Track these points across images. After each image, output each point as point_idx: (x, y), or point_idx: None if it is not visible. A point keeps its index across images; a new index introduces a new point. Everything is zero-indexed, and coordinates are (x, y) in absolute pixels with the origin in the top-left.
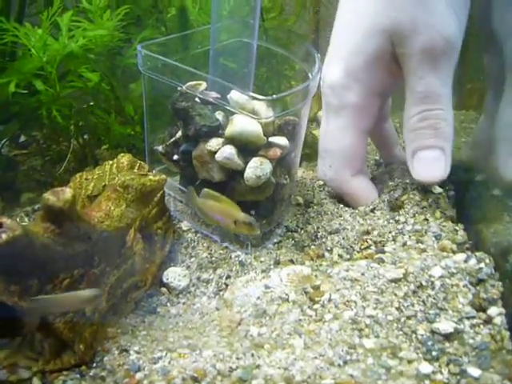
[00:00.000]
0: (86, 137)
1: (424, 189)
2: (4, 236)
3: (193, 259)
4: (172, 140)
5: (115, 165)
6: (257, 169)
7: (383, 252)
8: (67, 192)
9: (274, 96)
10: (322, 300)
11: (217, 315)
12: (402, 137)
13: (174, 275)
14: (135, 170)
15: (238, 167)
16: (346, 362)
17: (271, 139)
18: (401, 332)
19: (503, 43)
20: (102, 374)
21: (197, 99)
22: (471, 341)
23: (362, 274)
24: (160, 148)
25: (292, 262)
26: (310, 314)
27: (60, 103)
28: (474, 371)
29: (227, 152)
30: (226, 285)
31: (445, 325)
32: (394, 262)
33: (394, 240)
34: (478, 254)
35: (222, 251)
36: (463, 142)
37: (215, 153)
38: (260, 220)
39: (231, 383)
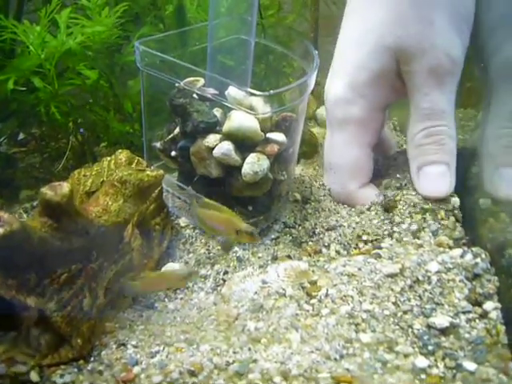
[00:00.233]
0: (81, 130)
1: None
2: (1, 230)
3: (191, 255)
4: (170, 136)
5: (113, 161)
6: (254, 165)
7: (380, 248)
8: (64, 186)
9: (271, 91)
10: (318, 295)
11: (214, 310)
12: (398, 134)
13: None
14: (133, 166)
15: (235, 163)
16: (342, 356)
17: (269, 135)
18: (397, 326)
19: (488, 61)
20: (100, 368)
21: (195, 95)
22: (467, 335)
23: (359, 269)
24: (158, 144)
25: (289, 257)
26: (307, 309)
27: (58, 100)
28: (470, 365)
29: (225, 148)
30: (224, 280)
31: (441, 319)
32: (390, 257)
33: (390, 236)
34: (474, 249)
35: (219, 247)
36: (461, 139)
37: (213, 149)
38: (257, 216)
39: (228, 377)
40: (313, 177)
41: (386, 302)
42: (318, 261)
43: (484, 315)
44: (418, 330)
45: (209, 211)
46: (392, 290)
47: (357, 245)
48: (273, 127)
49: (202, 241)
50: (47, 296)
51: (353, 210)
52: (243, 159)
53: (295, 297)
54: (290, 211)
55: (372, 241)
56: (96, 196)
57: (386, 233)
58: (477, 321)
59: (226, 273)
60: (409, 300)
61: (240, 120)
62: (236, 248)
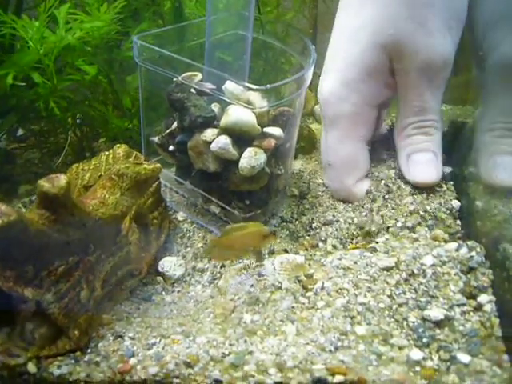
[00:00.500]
0: (78, 121)
1: None
2: None
3: (188, 249)
4: (168, 131)
5: (111, 155)
6: (251, 159)
7: (376, 242)
8: (62, 179)
9: (268, 86)
10: (314, 288)
11: (211, 303)
12: None
13: (170, 264)
14: (130, 160)
15: (232, 157)
16: (337, 348)
17: (266, 129)
18: (392, 319)
19: (485, 57)
20: (97, 360)
21: (192, 90)
22: (461, 328)
23: (355, 263)
24: (156, 139)
25: (286, 251)
26: (303, 302)
27: (57, 96)
28: (464, 357)
29: (222, 142)
30: (221, 274)
31: (436, 312)
32: (386, 251)
33: (387, 230)
34: (469, 242)
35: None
36: (459, 134)
37: (210, 143)
38: (255, 210)
39: (223, 368)
40: (311, 172)
41: (382, 295)
42: (315, 255)
43: (478, 308)
44: (413, 322)
45: (232, 236)
46: (387, 283)
47: (352, 239)
48: (270, 122)
49: (200, 235)
50: (44, 288)
51: (349, 205)
52: (240, 153)
53: (291, 290)
54: (288, 206)
55: (369, 233)
56: (93, 189)
57: (383, 227)
58: (471, 313)
59: (222, 266)
60: (404, 293)
61: (237, 114)
62: None
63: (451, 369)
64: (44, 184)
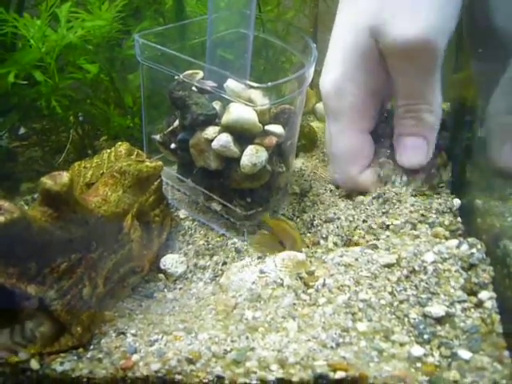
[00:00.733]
0: (80, 118)
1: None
2: (2, 218)
3: (190, 246)
4: (169, 129)
5: (113, 153)
6: (252, 156)
7: (377, 239)
8: (64, 176)
9: (269, 83)
10: (316, 285)
11: (213, 300)
12: None
13: (172, 262)
14: (132, 157)
15: (234, 155)
16: (338, 345)
17: (267, 127)
18: (393, 316)
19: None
20: (99, 356)
21: (194, 88)
22: (462, 324)
23: (356, 260)
24: (158, 137)
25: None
26: (304, 299)
27: (59, 94)
28: (465, 354)
29: (223, 140)
30: (223, 271)
31: (437, 308)
32: (387, 247)
33: (387, 227)
34: (470, 239)
35: (218, 238)
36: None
37: (212, 141)
38: (256, 207)
39: (225, 365)
40: (312, 170)
41: (383, 292)
42: (316, 252)
43: (479, 304)
44: (414, 319)
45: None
46: (388, 279)
47: (353, 236)
48: (271, 119)
49: (201, 232)
50: (47, 285)
51: (350, 202)
52: (242, 151)
53: (293, 286)
54: (289, 203)
55: (370, 230)
56: (96, 186)
57: (384, 225)
58: (472, 310)
59: (224, 263)
60: (405, 290)
61: (238, 112)
62: (235, 239)
63: (452, 365)
64: (46, 181)
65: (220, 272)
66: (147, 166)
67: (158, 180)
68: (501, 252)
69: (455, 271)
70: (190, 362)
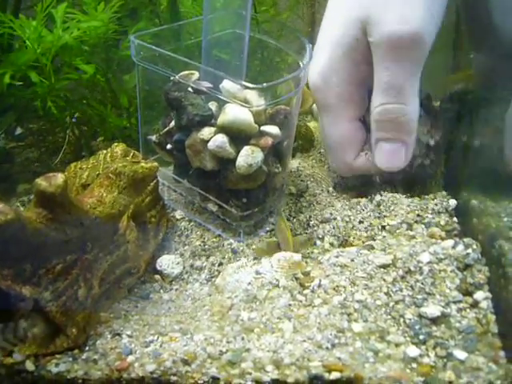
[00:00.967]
0: (74, 120)
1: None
2: None
3: (186, 247)
4: (165, 130)
5: (109, 154)
6: (248, 157)
7: (373, 239)
8: (59, 177)
9: (265, 84)
10: (311, 285)
11: (208, 301)
12: None
13: (168, 263)
14: (128, 158)
15: (229, 156)
16: (334, 346)
17: (263, 128)
18: (389, 316)
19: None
20: (95, 357)
21: (189, 89)
22: (458, 324)
23: (352, 260)
24: (154, 138)
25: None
26: (300, 299)
27: (55, 95)
28: (460, 354)
29: (219, 140)
30: (219, 272)
31: (432, 309)
32: (383, 248)
33: (383, 228)
34: (465, 239)
35: (214, 239)
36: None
37: (207, 141)
38: (252, 208)
39: (221, 366)
40: (309, 170)
41: (378, 293)
42: (312, 252)
43: (475, 305)
44: (410, 319)
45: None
46: (384, 280)
47: (349, 236)
48: (267, 120)
49: (198, 233)
50: (42, 286)
51: (347, 203)
52: (238, 152)
53: (288, 287)
54: (285, 204)
55: (366, 230)
56: (91, 188)
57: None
58: (467, 310)
59: (220, 264)
60: (401, 290)
61: (234, 113)
62: (231, 240)
63: (448, 365)
64: (41, 183)
65: (216, 273)
66: (142, 167)
67: (154, 181)
68: (496, 252)
69: (451, 271)
70: (186, 363)
